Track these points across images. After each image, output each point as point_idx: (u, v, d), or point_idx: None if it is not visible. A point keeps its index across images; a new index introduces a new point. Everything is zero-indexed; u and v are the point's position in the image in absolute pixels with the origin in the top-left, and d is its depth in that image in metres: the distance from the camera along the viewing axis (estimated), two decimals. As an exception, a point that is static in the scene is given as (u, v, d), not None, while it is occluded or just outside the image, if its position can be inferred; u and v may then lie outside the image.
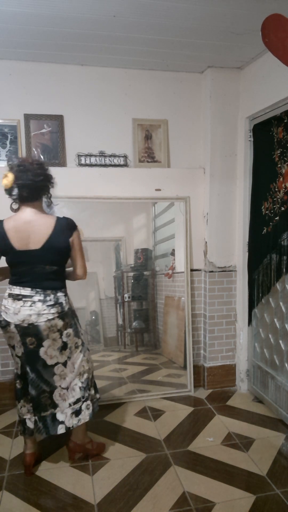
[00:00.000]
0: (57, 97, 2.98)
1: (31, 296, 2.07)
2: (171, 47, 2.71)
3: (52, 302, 2.09)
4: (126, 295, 3.29)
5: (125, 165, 3.11)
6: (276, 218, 2.78)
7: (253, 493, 2.07)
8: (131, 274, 3.29)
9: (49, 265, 2.10)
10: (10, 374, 3.01)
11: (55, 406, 2.20)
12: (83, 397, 2.25)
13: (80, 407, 2.24)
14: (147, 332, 3.39)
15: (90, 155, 3.05)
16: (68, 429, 2.22)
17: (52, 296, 2.10)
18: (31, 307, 2.05)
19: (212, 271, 3.22)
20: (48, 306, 2.07)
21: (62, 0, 2.13)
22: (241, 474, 2.23)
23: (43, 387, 2.17)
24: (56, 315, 2.09)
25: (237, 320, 3.29)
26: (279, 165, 2.73)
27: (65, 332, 2.14)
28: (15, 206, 2.15)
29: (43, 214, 2.13)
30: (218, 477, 2.20)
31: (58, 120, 2.99)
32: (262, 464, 2.30)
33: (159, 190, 3.16)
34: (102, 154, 3.07)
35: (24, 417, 2.23)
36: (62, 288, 2.16)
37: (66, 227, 2.10)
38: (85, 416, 2.26)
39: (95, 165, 3.06)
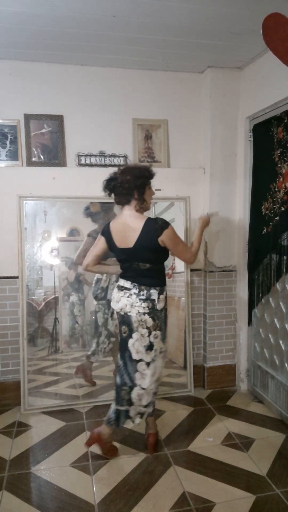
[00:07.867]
0: (57, 97, 2.98)
1: (129, 289, 2.28)
2: (171, 47, 2.71)
3: (144, 297, 2.25)
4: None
5: (125, 165, 3.11)
6: (276, 218, 2.78)
7: (253, 493, 2.07)
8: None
9: (142, 262, 2.26)
10: (10, 374, 3.00)
11: (130, 403, 2.31)
12: (152, 402, 2.38)
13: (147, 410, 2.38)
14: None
15: (90, 155, 3.05)
16: (133, 423, 2.37)
17: (145, 291, 2.26)
18: (128, 298, 2.26)
19: (212, 271, 3.22)
20: (140, 299, 2.25)
21: (62, 0, 2.13)
22: (241, 474, 2.23)
23: (125, 380, 2.29)
24: (147, 310, 2.24)
25: (237, 320, 3.29)
26: (279, 165, 2.73)
27: (153, 332, 2.27)
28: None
29: (136, 214, 2.26)
30: (218, 477, 2.20)
31: (58, 120, 2.99)
32: (262, 464, 2.30)
33: (159, 190, 3.14)
34: (102, 154, 3.07)
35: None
36: (157, 286, 2.28)
37: (153, 227, 2.20)
38: (137, 420, 2.37)
39: (95, 165, 3.06)
